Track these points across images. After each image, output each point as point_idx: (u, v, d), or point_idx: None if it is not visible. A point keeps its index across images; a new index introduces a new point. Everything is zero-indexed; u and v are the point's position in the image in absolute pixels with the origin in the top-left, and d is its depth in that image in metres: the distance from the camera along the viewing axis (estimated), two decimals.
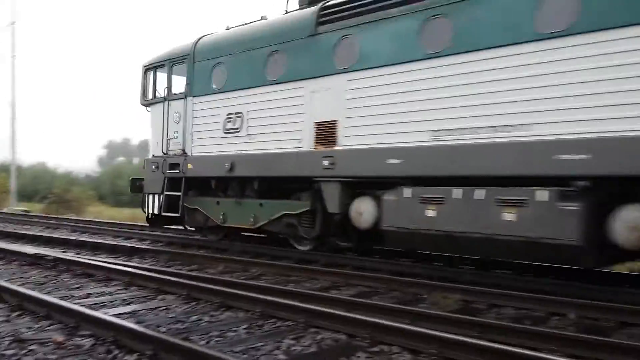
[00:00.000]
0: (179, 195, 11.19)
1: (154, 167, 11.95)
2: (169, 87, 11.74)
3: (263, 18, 10.71)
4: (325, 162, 8.71)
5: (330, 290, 6.85)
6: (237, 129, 10.25)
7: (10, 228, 14.54)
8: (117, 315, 5.06)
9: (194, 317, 5.28)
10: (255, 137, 9.93)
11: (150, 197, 11.96)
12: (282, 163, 9.39)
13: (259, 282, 6.95)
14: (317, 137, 8.93)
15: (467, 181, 7.11)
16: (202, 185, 11.36)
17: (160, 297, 6.27)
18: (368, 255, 9.39)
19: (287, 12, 10.21)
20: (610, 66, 5.92)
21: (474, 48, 7.03)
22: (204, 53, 11.05)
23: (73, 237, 12.03)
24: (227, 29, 11.28)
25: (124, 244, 10.70)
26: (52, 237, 11.96)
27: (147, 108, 12.47)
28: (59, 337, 4.35)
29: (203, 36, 11.52)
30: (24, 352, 4.01)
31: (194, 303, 5.91)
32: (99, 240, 11.25)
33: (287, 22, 9.77)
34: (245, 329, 4.87)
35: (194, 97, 11.13)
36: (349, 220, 8.61)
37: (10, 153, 29.86)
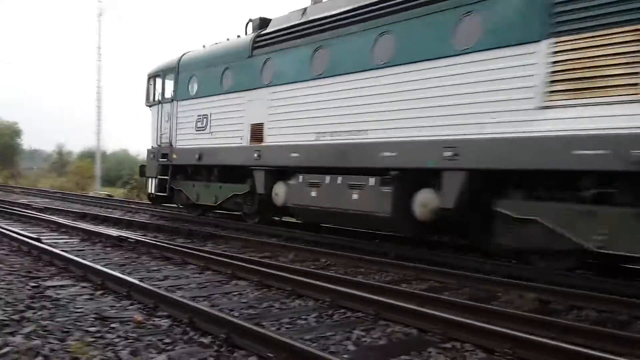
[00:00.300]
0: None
1: (151, 156, 15.24)
2: (162, 93, 14.70)
3: (227, 39, 13.36)
4: (255, 155, 11.37)
5: (400, 283, 6.78)
6: (204, 127, 13.09)
7: (94, 211, 15.38)
8: (193, 298, 5.24)
9: (265, 304, 5.37)
10: (215, 134, 12.70)
11: (149, 180, 15.27)
12: (231, 154, 12.17)
13: (328, 272, 6.98)
14: (252, 135, 11.59)
15: (334, 170, 9.64)
16: (184, 171, 14.27)
17: (233, 282, 6.43)
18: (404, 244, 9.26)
19: (246, 35, 12.59)
20: (403, 99, 8.48)
21: (338, 73, 9.61)
22: (185, 66, 13.96)
23: (152, 221, 12.57)
24: (203, 47, 14.05)
25: (201, 229, 11.05)
26: (132, 220, 12.56)
27: (149, 108, 15.43)
28: (139, 317, 4.55)
29: (185, 53, 14.44)
30: (106, 329, 4.22)
31: (265, 290, 6.03)
32: (176, 225, 11.69)
33: (235, 45, 12.50)
34: (315, 317, 4.92)
35: (177, 101, 14.06)
36: (272, 199, 11.16)
37: (95, 140, 31.61)
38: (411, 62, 8.33)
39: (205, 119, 13.01)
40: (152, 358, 3.60)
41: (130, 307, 4.98)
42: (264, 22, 12.08)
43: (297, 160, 10.35)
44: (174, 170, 14.33)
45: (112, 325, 4.34)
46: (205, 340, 4.04)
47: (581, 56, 6.44)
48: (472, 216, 8.05)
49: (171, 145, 14.20)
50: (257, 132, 11.42)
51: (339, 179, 9.47)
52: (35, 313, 4.59)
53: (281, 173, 10.99)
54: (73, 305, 4.92)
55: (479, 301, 5.51)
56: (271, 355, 3.57)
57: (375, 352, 4.03)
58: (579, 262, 7.21)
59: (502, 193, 7.53)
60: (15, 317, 4.41)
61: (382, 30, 8.86)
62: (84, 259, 6.91)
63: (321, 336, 4.33)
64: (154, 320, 4.53)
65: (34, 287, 5.62)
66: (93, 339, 3.94)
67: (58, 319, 4.42)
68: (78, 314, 4.60)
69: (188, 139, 13.63)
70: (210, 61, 13.14)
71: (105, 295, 5.44)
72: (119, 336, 4.05)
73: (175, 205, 15.72)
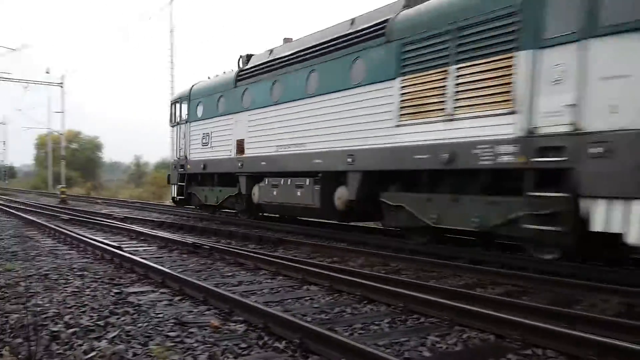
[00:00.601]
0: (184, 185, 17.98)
1: (173, 167, 19.15)
2: (180, 115, 18.29)
3: (224, 72, 16.44)
4: (239, 164, 14.64)
5: (475, 288, 6.59)
6: (207, 143, 16.49)
7: (171, 219, 15.97)
8: (266, 303, 5.32)
9: (337, 309, 5.37)
10: (214, 148, 16.04)
11: (173, 186, 18.89)
12: (224, 164, 15.41)
13: (400, 277, 6.90)
14: (237, 149, 14.80)
15: (287, 174, 12.73)
16: (195, 178, 17.66)
17: (304, 287, 6.48)
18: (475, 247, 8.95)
19: (234, 70, 15.65)
20: (325, 120, 11.47)
21: (287, 101, 12.73)
22: (194, 94, 17.46)
23: (223, 228, 12.89)
24: (208, 78, 17.35)
25: (270, 235, 11.23)
26: (206, 227, 12.93)
27: (172, 128, 19.14)
28: (216, 322, 4.67)
29: (195, 83, 17.81)
30: (185, 334, 4.36)
31: (336, 295, 6.03)
32: (247, 231, 11.94)
33: (226, 78, 15.83)
34: (388, 323, 4.86)
35: (190, 122, 17.59)
36: (252, 198, 14.32)
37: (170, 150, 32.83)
38: (327, 93, 11.39)
39: (207, 137, 16.50)
40: None
41: (207, 312, 5.12)
42: (248, 58, 15.37)
43: (265, 167, 13.59)
44: (189, 177, 17.86)
45: (191, 330, 4.48)
46: (280, 345, 4.09)
47: (415, 89, 9.27)
48: (369, 205, 10.64)
49: (186, 157, 17.73)
50: (240, 146, 14.71)
51: (289, 180, 12.62)
52: (118, 318, 4.81)
53: (257, 178, 14.18)
54: (153, 310, 5.11)
55: (559, 306, 5.27)
56: None
57: (452, 359, 3.94)
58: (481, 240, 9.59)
59: (385, 187, 10.30)
60: (100, 322, 4.64)
61: (311, 69, 11.97)
62: (162, 265, 7.18)
63: (395, 342, 4.28)
64: (229, 325, 4.63)
65: (116, 293, 5.89)
66: (173, 344, 4.07)
67: (140, 324, 4.61)
68: (158, 319, 4.78)
69: (197, 153, 17.14)
70: (210, 90, 16.56)
71: (183, 300, 5.62)
72: (197, 341, 4.17)
73: (192, 207, 18.77)
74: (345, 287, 6.12)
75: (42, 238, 11.23)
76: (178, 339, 4.20)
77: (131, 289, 6.15)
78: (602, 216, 6.60)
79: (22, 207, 20.85)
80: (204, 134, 16.66)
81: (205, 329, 4.50)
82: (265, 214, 15.50)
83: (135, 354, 3.83)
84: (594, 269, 7.31)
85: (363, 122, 10.32)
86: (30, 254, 8.77)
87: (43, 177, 60.22)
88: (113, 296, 5.74)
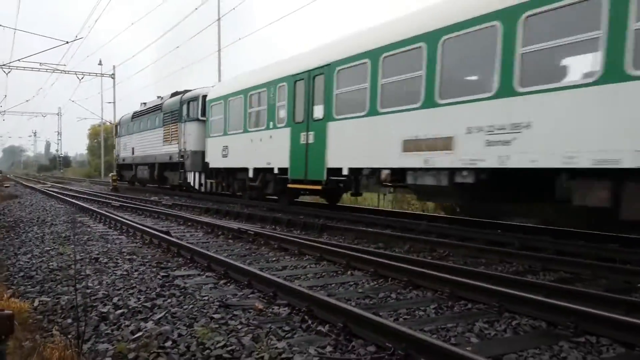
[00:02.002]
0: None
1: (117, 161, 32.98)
2: (119, 131, 31.96)
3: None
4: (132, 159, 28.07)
5: (525, 274, 6.39)
6: (127, 147, 29.99)
7: (217, 205, 16.19)
8: (310, 288, 5.28)
9: (381, 294, 5.29)
10: (129, 150, 29.77)
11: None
12: (138, 159, 27.04)
13: (447, 263, 6.74)
14: (131, 151, 28.51)
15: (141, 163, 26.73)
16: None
17: (348, 272, 6.42)
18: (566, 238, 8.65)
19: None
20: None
21: (141, 130, 26.74)
22: (122, 121, 32.45)
23: (269, 214, 12.95)
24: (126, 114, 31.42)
25: (314, 221, 11.21)
26: (251, 214, 13.03)
27: (116, 138, 31.96)
28: (260, 305, 4.67)
29: (123, 115, 32.62)
30: (229, 316, 4.37)
31: (381, 280, 5.94)
32: (291, 218, 11.96)
33: (128, 117, 30.28)
34: (434, 308, 4.75)
35: (120, 136, 31.98)
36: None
37: None
38: (148, 130, 25.37)
39: (128, 144, 29.51)
40: (273, 345, 3.65)
41: (251, 295, 5.13)
42: (144, 104, 27.73)
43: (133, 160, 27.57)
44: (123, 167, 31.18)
45: (235, 312, 4.49)
46: (323, 328, 4.05)
47: (168, 131, 22.60)
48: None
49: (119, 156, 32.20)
50: (132, 149, 27.92)
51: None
52: (165, 300, 4.87)
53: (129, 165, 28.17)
54: (199, 293, 5.16)
55: (616, 293, 5.02)
56: (390, 345, 3.48)
57: (501, 345, 3.80)
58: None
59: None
60: (148, 304, 4.71)
61: (145, 117, 26.37)
62: (207, 250, 7.26)
63: (442, 327, 4.17)
64: (273, 309, 4.62)
65: (163, 276, 5.98)
66: (217, 326, 4.08)
67: (185, 307, 4.66)
68: (203, 302, 4.81)
69: (126, 153, 30.29)
70: (127, 120, 29.99)
71: (228, 284, 5.65)
72: (241, 323, 4.17)
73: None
74: (390, 273, 6.03)
75: (94, 223, 11.57)
76: (222, 321, 4.21)
77: (177, 273, 6.24)
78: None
79: (75, 194, 21.58)
80: (125, 142, 29.69)
81: (249, 312, 4.50)
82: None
83: (180, 335, 3.86)
84: None
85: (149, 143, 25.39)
86: (82, 239, 9.03)
87: (96, 166, 62.37)
88: (160, 279, 5.83)
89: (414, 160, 9.52)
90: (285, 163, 13.86)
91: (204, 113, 19.43)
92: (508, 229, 10.13)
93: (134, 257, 7.29)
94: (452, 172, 8.84)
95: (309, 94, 12.77)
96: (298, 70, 13.34)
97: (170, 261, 7.01)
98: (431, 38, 9.14)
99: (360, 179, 11.51)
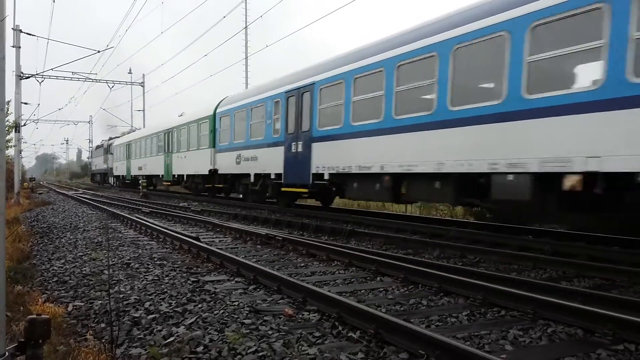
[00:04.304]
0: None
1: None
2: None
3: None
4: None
5: (559, 281, 6.25)
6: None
7: (244, 212, 16.28)
8: (340, 293, 5.25)
9: (412, 300, 5.23)
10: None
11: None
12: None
13: (478, 269, 6.64)
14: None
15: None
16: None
17: (378, 278, 6.37)
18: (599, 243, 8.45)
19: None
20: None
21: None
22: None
23: (297, 220, 12.95)
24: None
25: (342, 227, 11.18)
26: (279, 219, 13.07)
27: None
28: (290, 310, 4.66)
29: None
30: (260, 322, 4.37)
31: (411, 286, 5.88)
32: (319, 223, 11.94)
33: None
34: (466, 315, 4.68)
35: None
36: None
37: None
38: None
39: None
40: (304, 351, 3.64)
41: (281, 301, 5.12)
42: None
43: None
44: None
45: (265, 317, 4.48)
46: (354, 335, 4.01)
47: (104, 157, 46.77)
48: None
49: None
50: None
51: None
52: (195, 306, 4.90)
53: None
54: (229, 298, 5.18)
55: None
56: (423, 352, 3.43)
57: (537, 353, 3.72)
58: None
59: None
60: (179, 309, 4.74)
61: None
62: (237, 255, 7.29)
63: (475, 335, 4.10)
64: (303, 314, 4.60)
65: (194, 282, 6.02)
66: (248, 331, 4.09)
67: (216, 312, 4.67)
68: (234, 307, 4.82)
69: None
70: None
71: (258, 289, 5.66)
72: (271, 328, 4.17)
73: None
74: (421, 279, 5.96)
75: (125, 229, 11.74)
76: (253, 327, 4.21)
77: (207, 278, 6.27)
78: None
79: (106, 200, 21.96)
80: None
81: (280, 317, 4.50)
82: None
83: (211, 340, 3.87)
84: None
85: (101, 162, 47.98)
86: (114, 244, 9.16)
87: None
88: (190, 284, 5.87)
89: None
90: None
91: (107, 151, 46.37)
92: (538, 234, 9.95)
93: (165, 262, 7.37)
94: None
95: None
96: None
97: (200, 266, 7.06)
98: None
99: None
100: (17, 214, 15.67)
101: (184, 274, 6.48)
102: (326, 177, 13.08)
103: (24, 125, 27.76)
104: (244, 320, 4.39)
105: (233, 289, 5.64)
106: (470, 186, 9.04)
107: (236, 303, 4.99)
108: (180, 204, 19.98)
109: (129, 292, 5.51)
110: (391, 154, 10.70)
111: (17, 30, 21.75)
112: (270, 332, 4.06)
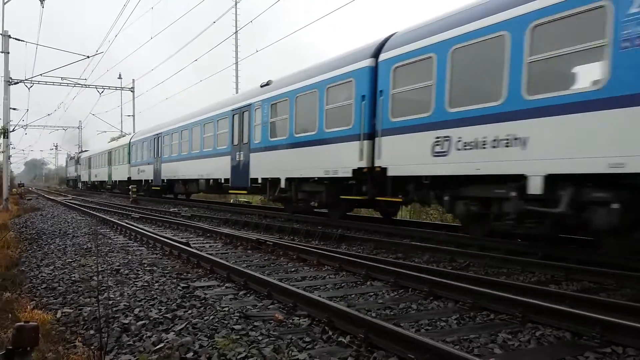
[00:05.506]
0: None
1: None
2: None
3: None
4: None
5: (548, 284, 6.30)
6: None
7: (235, 217, 16.26)
8: (330, 298, 5.26)
9: (402, 305, 5.25)
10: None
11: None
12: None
13: (468, 273, 6.68)
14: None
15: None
16: None
17: (368, 283, 6.39)
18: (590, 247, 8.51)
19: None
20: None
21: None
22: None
23: (287, 225, 12.97)
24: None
25: (332, 232, 11.19)
26: (269, 224, 13.06)
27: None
28: (280, 315, 4.66)
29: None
30: (250, 327, 4.37)
31: (401, 290, 5.90)
32: (309, 228, 11.95)
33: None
34: (456, 319, 4.70)
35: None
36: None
37: None
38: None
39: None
40: (294, 356, 3.64)
41: (271, 306, 5.12)
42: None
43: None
44: None
45: (255, 323, 4.48)
46: (344, 339, 4.02)
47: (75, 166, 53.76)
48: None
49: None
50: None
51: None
52: (185, 312, 4.88)
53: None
54: (219, 304, 5.17)
55: None
56: (412, 356, 3.44)
57: (525, 356, 3.74)
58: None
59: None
60: (169, 315, 4.73)
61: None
62: (227, 261, 7.28)
63: (464, 338, 4.12)
64: (293, 319, 4.61)
65: (184, 287, 6.00)
66: (238, 336, 4.08)
67: (206, 317, 4.66)
68: (224, 313, 4.81)
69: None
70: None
71: (248, 295, 5.65)
72: (261, 334, 4.17)
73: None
74: (411, 283, 5.98)
75: (114, 235, 11.69)
76: (243, 332, 4.21)
77: (198, 284, 6.26)
78: None
79: (96, 206, 21.83)
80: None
81: (270, 323, 4.50)
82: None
83: (201, 346, 3.86)
84: None
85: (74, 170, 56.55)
86: (103, 250, 9.12)
87: None
88: (181, 290, 5.85)
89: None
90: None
91: (77, 162, 57.21)
92: (527, 239, 9.99)
93: (155, 268, 7.34)
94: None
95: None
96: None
97: (190, 272, 7.04)
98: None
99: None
100: (5, 220, 15.54)
101: (174, 280, 6.46)
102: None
103: (13, 130, 27.47)
104: (234, 326, 4.39)
105: (223, 295, 5.63)
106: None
107: (226, 308, 4.98)
108: (170, 209, 19.90)
109: (118, 298, 5.48)
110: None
111: (6, 36, 21.62)
112: (260, 338, 4.06)
